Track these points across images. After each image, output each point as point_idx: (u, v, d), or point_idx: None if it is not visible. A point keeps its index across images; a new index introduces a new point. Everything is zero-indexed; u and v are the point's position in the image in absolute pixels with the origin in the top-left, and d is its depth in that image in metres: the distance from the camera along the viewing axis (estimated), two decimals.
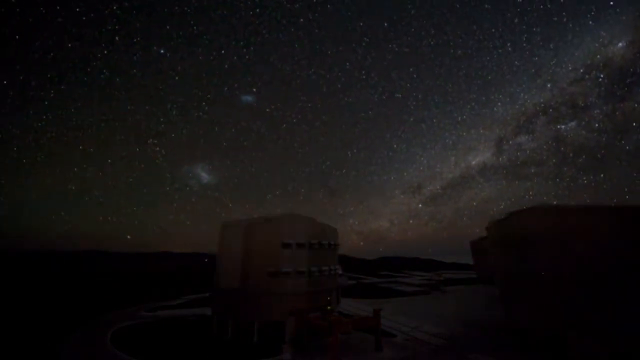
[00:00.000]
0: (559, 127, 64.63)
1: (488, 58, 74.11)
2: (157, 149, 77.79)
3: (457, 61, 77.13)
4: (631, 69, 55.88)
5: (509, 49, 70.69)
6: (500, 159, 77.21)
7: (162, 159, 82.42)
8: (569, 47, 69.32)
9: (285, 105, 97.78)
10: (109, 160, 77.12)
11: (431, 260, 60.33)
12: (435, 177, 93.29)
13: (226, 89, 79.35)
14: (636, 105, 57.37)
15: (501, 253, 11.75)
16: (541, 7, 63.10)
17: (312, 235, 11.18)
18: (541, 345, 8.71)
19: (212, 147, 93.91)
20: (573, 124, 65.56)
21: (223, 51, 72.85)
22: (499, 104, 75.16)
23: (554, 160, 67.91)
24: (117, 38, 62.64)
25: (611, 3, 57.10)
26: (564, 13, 63.36)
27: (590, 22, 60.34)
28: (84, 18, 58.70)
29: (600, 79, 59.68)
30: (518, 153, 71.92)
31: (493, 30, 70.77)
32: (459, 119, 79.87)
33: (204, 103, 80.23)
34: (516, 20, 66.46)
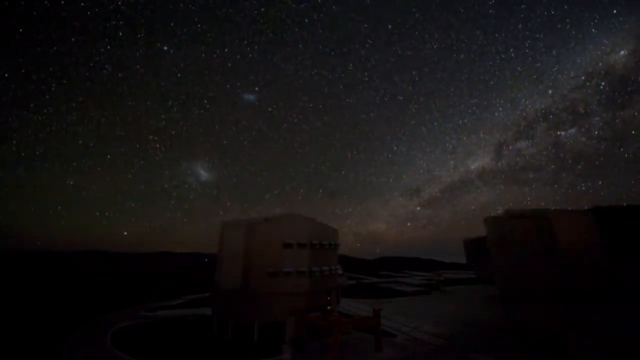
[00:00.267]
0: (558, 133, 64.91)
1: (490, 63, 74.32)
2: (157, 145, 77.80)
3: (459, 65, 77.29)
4: (632, 77, 56.19)
5: (512, 54, 70.80)
6: (499, 163, 77.52)
7: (161, 155, 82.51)
8: (572, 54, 69.50)
9: (287, 105, 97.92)
10: (108, 156, 77.05)
11: (431, 260, 60.33)
12: (434, 180, 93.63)
13: (228, 87, 79.54)
14: (636, 113, 57.63)
15: (500, 252, 11.77)
16: (545, 13, 63.25)
17: (313, 236, 11.18)
18: (541, 345, 8.72)
19: (212, 145, 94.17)
20: (573, 130, 65.80)
21: (226, 49, 72.98)
22: (500, 108, 75.33)
23: (552, 166, 68.18)
24: (120, 33, 62.80)
25: (614, 11, 57.27)
26: (567, 20, 63.45)
27: (593, 30, 60.52)
28: (89, 13, 58.88)
29: (602, 87, 59.98)
30: (517, 158, 72.23)
31: (496, 35, 70.84)
32: (460, 123, 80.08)
33: (205, 101, 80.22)
34: (520, 26, 66.65)
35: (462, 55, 73.50)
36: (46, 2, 56.23)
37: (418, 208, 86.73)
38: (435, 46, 73.87)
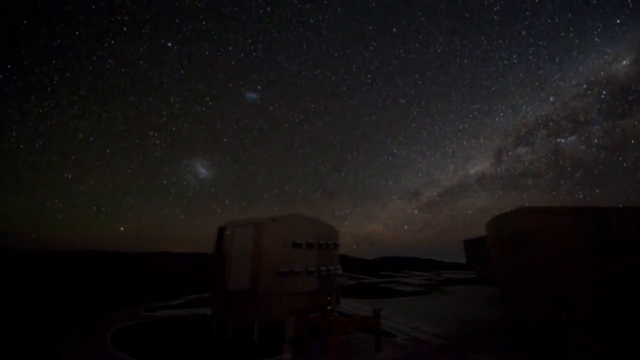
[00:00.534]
0: (558, 140, 65.11)
1: (493, 69, 74.39)
2: (157, 141, 77.70)
3: (462, 70, 77.43)
4: (633, 87, 56.35)
5: (515, 60, 70.88)
6: (498, 169, 77.67)
7: (161, 151, 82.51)
8: (574, 62, 69.54)
9: (289, 105, 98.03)
10: (108, 150, 76.88)
11: (431, 260, 60.37)
12: (433, 184, 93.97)
13: (231, 85, 79.58)
14: (636, 122, 57.79)
15: (500, 252, 11.79)
16: (549, 21, 63.38)
17: (319, 235, 11.26)
18: (541, 345, 8.72)
19: (213, 143, 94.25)
20: (573, 138, 65.95)
21: (230, 48, 73.06)
22: (501, 114, 75.53)
23: (551, 174, 68.40)
24: (125, 28, 62.77)
25: (617, 21, 57.39)
26: (571, 28, 63.62)
27: (596, 39, 60.66)
28: (93, 7, 58.98)
29: (603, 95, 60.16)
30: (516, 164, 72.39)
31: (500, 41, 71.01)
32: (461, 127, 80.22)
33: (207, 98, 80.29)
34: (524, 33, 66.76)
35: (465, 60, 73.67)
36: None
37: (416, 211, 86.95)
38: (439, 50, 74.03)
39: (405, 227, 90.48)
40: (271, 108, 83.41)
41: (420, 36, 74.25)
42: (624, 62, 57.57)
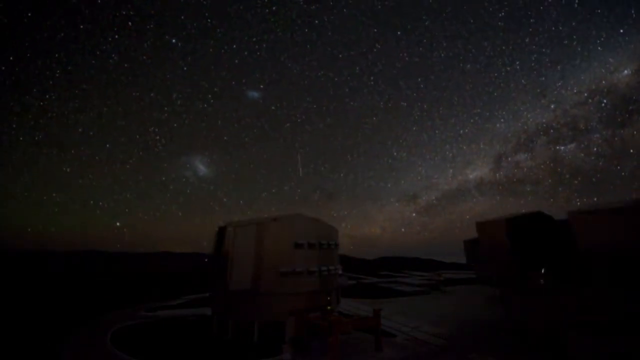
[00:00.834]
0: (558, 148, 65.36)
1: (496, 74, 74.52)
2: (157, 137, 77.60)
3: (465, 75, 77.59)
4: (634, 97, 56.60)
5: (517, 67, 70.95)
6: (497, 174, 77.76)
7: (161, 147, 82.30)
8: (576, 70, 69.66)
9: (291, 105, 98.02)
10: (107, 145, 76.72)
11: (431, 260, 60.34)
12: (432, 187, 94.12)
13: (233, 83, 79.62)
14: (635, 132, 58.01)
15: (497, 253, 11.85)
16: (553, 28, 63.52)
17: (320, 235, 11.29)
18: (541, 345, 8.72)
19: (213, 141, 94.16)
20: (572, 146, 66.16)
21: (235, 46, 73.06)
22: (502, 120, 75.66)
23: (549, 180, 68.65)
24: (130, 23, 62.76)
25: (621, 31, 57.49)
26: (574, 36, 63.80)
27: (599, 48, 60.79)
28: (99, 1, 58.99)
29: (603, 104, 60.42)
30: (515, 170, 72.60)
31: (504, 47, 71.13)
32: (461, 132, 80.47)
33: (209, 95, 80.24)
34: (527, 40, 66.82)
35: (468, 65, 73.77)
36: None
37: (414, 214, 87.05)
38: (442, 55, 74.19)
39: (402, 230, 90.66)
40: (273, 107, 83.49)
41: (425, 40, 74.55)
42: (626, 71, 57.80)
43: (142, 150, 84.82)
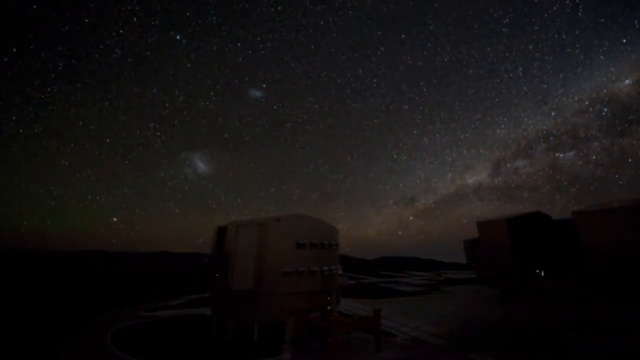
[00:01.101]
0: (557, 155, 65.51)
1: (498, 80, 74.69)
2: (158, 133, 77.57)
3: (467, 80, 77.83)
4: (634, 107, 56.81)
5: (520, 74, 71.13)
6: (495, 180, 78.10)
7: (161, 143, 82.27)
8: (578, 78, 69.78)
9: (293, 105, 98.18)
10: (107, 140, 76.62)
11: (431, 260, 60.37)
12: (430, 191, 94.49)
13: (236, 81, 79.69)
14: (634, 142, 58.17)
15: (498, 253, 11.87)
16: (556, 36, 63.66)
17: (322, 235, 11.33)
18: (541, 345, 8.72)
19: (213, 138, 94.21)
20: (571, 153, 66.37)
21: (239, 44, 73.02)
22: (503, 126, 75.86)
23: (547, 187, 68.94)
24: (135, 19, 62.66)
25: (624, 40, 57.61)
26: (577, 45, 63.91)
27: (601, 57, 60.92)
28: None
29: (604, 113, 60.67)
30: (514, 176, 72.84)
31: (507, 54, 71.36)
32: (462, 136, 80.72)
33: (212, 93, 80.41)
34: (531, 47, 66.96)
35: (471, 71, 73.96)
36: None
37: (411, 218, 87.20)
38: (446, 59, 74.34)
39: (400, 232, 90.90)
40: (275, 107, 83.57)
41: (429, 44, 74.68)
42: (627, 81, 57.99)
43: (142, 145, 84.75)
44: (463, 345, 9.29)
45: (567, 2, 60.44)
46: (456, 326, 11.41)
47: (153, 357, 8.67)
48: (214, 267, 11.67)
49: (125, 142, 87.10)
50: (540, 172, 70.47)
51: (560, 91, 70.29)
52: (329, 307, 10.42)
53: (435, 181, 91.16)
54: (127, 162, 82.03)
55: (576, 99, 66.46)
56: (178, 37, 67.95)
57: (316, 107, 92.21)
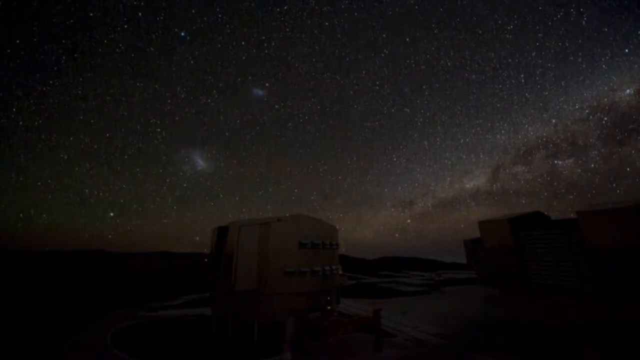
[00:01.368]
0: (556, 162, 65.63)
1: (500, 86, 74.83)
2: (158, 129, 77.50)
3: (469, 85, 78.02)
4: (634, 116, 56.93)
5: (522, 80, 71.29)
6: (494, 185, 78.27)
7: (160, 139, 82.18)
8: (580, 87, 69.89)
9: (294, 104, 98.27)
10: (107, 135, 76.54)
11: (431, 260, 60.43)
12: (428, 195, 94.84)
13: (239, 79, 79.70)
14: (633, 151, 58.29)
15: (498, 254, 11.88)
16: (559, 44, 63.84)
17: (323, 236, 11.37)
18: (541, 345, 8.73)
19: (214, 136, 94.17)
20: (570, 161, 66.57)
21: (243, 42, 73.02)
22: (503, 132, 76.22)
23: (545, 194, 69.12)
24: (140, 14, 62.63)
25: (626, 50, 57.72)
26: (580, 53, 64.11)
27: (604, 66, 61.04)
28: None
29: (604, 122, 60.82)
30: (512, 182, 73.10)
31: (509, 60, 71.56)
32: (462, 141, 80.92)
33: (214, 90, 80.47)
34: (534, 54, 67.09)
35: (473, 76, 74.10)
36: None
37: (408, 221, 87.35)
38: (449, 64, 74.50)
39: (397, 235, 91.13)
40: (276, 106, 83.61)
41: (433, 48, 74.93)
42: (628, 91, 58.16)
43: (142, 141, 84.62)
44: (463, 345, 9.29)
45: (572, 10, 60.55)
46: (456, 326, 11.42)
47: (153, 357, 8.67)
48: (214, 267, 11.65)
49: (125, 137, 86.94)
50: (539, 179, 70.88)
51: (562, 99, 70.54)
52: (329, 307, 10.42)
53: (434, 185, 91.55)
54: (126, 157, 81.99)
55: (577, 107, 66.73)
56: (183, 33, 67.99)
57: (318, 107, 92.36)
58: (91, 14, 61.48)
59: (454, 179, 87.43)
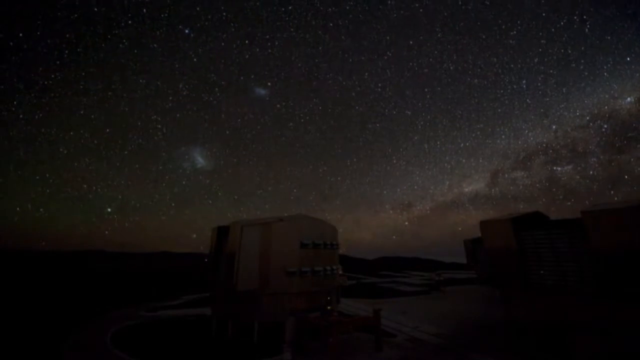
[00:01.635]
0: (555, 168, 65.81)
1: (502, 91, 74.98)
2: (159, 126, 77.55)
3: (471, 89, 78.26)
4: (634, 124, 57.09)
5: (524, 86, 71.46)
6: (492, 190, 78.50)
7: (161, 136, 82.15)
8: (581, 94, 70.05)
9: (296, 104, 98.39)
10: (108, 130, 76.60)
11: (431, 260, 60.42)
12: (427, 198, 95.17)
13: (242, 78, 79.78)
14: (632, 159, 58.43)
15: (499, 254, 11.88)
16: (562, 51, 64.02)
17: (324, 236, 11.39)
18: (541, 345, 8.73)
19: (214, 134, 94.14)
20: (569, 167, 66.79)
21: (247, 41, 73.16)
22: (503, 136, 76.49)
23: (544, 200, 69.38)
24: (145, 10, 62.66)
25: (628, 59, 57.89)
26: (582, 60, 64.32)
27: (605, 74, 61.22)
28: None
29: (604, 129, 61.01)
30: (511, 187, 73.41)
31: (512, 65, 71.92)
32: (462, 145, 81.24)
33: (216, 88, 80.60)
34: (536, 60, 67.26)
35: (475, 80, 74.27)
36: None
37: (406, 223, 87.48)
38: (451, 67, 74.70)
39: (394, 237, 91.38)
40: (278, 106, 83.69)
41: (436, 52, 75.10)
42: (629, 99, 58.32)
43: (142, 137, 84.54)
44: (463, 345, 9.30)
45: (575, 17, 60.64)
46: (456, 326, 11.42)
47: (153, 357, 8.67)
48: (214, 268, 11.66)
49: (125, 133, 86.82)
50: (537, 184, 71.11)
51: (562, 105, 70.78)
52: (329, 307, 10.42)
53: (433, 188, 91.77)
54: (125, 153, 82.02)
55: (577, 113, 66.90)
56: (187, 31, 68.02)
57: (319, 108, 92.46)
58: (96, 9, 61.48)
59: (453, 183, 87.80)
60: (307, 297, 10.43)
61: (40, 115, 71.94)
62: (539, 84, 70.42)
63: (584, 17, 60.63)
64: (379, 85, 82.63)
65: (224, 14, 68.27)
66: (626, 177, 58.99)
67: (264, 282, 10.13)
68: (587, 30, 61.48)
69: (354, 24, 75.48)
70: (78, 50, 66.46)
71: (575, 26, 62.21)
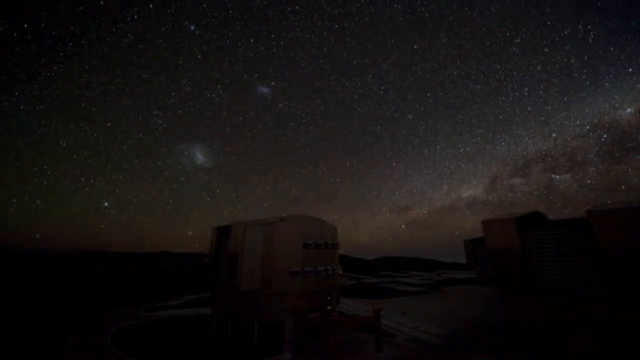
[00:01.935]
0: (553, 176, 65.90)
1: (503, 98, 75.09)
2: (160, 121, 77.71)
3: (473, 95, 78.48)
4: (633, 135, 57.21)
5: (525, 93, 71.64)
6: (490, 196, 78.55)
7: (161, 131, 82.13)
8: (582, 103, 70.25)
9: (299, 105, 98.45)
10: (108, 124, 76.57)
11: (431, 260, 60.44)
12: (425, 202, 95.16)
13: (245, 76, 79.91)
14: (630, 169, 58.53)
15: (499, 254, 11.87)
16: (565, 60, 64.32)
17: (325, 236, 11.41)
18: (541, 345, 8.73)
19: (215, 131, 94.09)
20: (567, 176, 67.00)
21: (252, 40, 73.20)
22: (503, 143, 76.69)
23: (541, 207, 69.26)
24: (151, 5, 62.70)
25: (630, 70, 58.03)
26: (584, 70, 64.64)
27: (607, 84, 61.44)
28: None
29: (603, 139, 61.20)
30: (509, 194, 73.54)
31: (514, 73, 72.13)
32: (462, 150, 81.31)
33: (219, 86, 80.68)
34: (539, 68, 67.50)
35: (478, 86, 74.37)
36: None
37: (403, 226, 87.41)
38: (454, 73, 74.87)
39: (390, 239, 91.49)
40: (280, 105, 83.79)
41: (440, 56, 75.39)
42: (629, 110, 58.47)
43: (143, 132, 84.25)
44: (463, 345, 9.30)
45: (579, 27, 60.71)
46: (456, 326, 11.42)
47: (153, 357, 8.67)
48: (214, 267, 11.67)
49: (126, 127, 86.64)
50: (535, 192, 71.36)
51: (563, 114, 70.93)
52: (329, 307, 10.43)
53: (431, 192, 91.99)
54: (125, 147, 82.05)
55: (577, 122, 67.02)
56: (192, 27, 68.07)
57: (321, 109, 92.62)
58: (102, 2, 61.40)
59: (452, 188, 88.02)
60: (308, 297, 10.43)
61: (41, 106, 71.90)
62: (541, 92, 70.68)
63: (588, 27, 60.76)
64: (382, 88, 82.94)
65: (230, 11, 68.43)
66: (623, 187, 59.33)
67: (266, 282, 10.13)
68: (590, 40, 61.63)
69: (359, 26, 75.73)
70: (82, 42, 66.46)
71: (579, 36, 62.41)
